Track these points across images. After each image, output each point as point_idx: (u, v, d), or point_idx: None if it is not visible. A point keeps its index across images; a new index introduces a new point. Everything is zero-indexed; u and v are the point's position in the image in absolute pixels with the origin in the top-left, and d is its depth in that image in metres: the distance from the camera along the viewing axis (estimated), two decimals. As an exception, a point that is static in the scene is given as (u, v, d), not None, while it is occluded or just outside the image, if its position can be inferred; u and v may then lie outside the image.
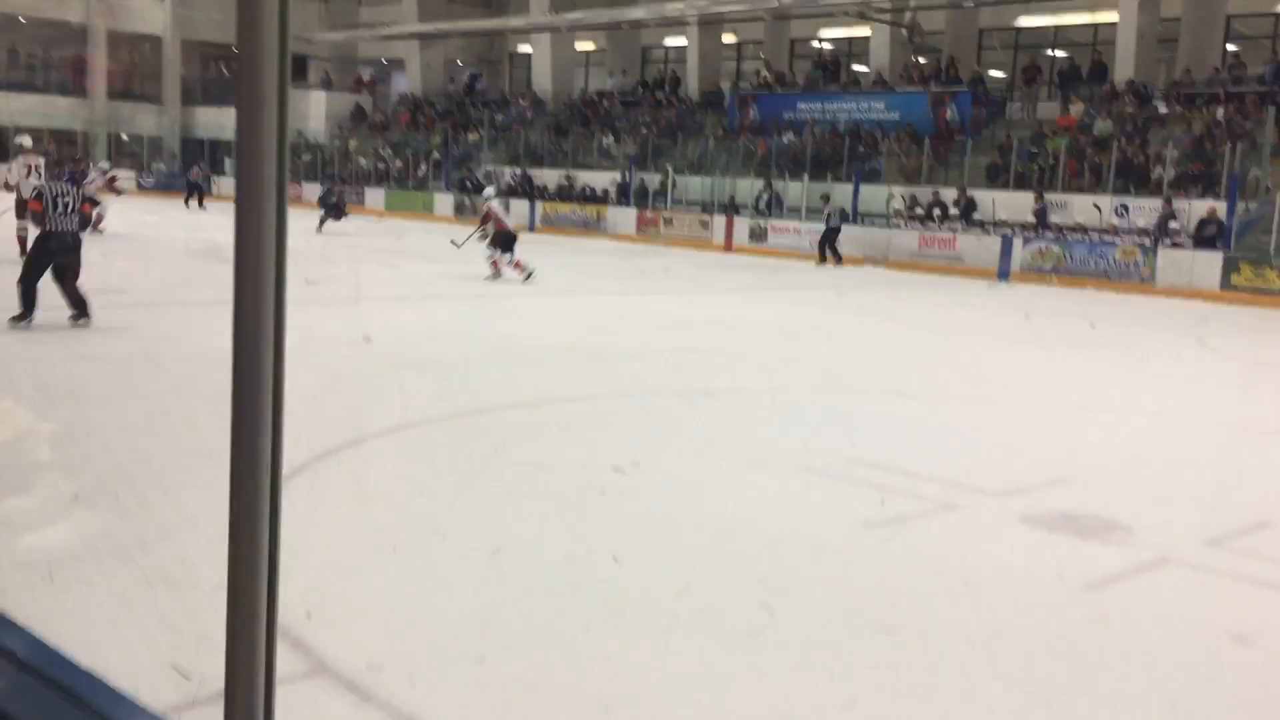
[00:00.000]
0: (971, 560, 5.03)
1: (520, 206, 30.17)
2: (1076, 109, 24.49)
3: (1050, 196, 22.21)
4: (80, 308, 9.81)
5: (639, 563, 4.83)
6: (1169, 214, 20.13)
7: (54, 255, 9.70)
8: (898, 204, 24.36)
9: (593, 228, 28.67)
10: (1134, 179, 21.71)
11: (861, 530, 5.36)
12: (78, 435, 6.47)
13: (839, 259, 22.60)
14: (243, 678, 1.34)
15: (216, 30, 39.81)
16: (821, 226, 23.02)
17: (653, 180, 28.86)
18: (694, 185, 28.21)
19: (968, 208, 22.92)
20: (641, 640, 4.01)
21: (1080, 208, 21.66)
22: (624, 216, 28.37)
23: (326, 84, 41.50)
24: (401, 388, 8.33)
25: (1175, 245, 19.66)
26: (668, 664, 3.83)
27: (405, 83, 41.56)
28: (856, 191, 24.81)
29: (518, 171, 31.73)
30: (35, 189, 10.11)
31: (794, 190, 26.27)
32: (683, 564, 4.84)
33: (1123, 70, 25.15)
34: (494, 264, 16.26)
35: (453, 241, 18.82)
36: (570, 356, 10.24)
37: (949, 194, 23.50)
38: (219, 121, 40.18)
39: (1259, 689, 3.91)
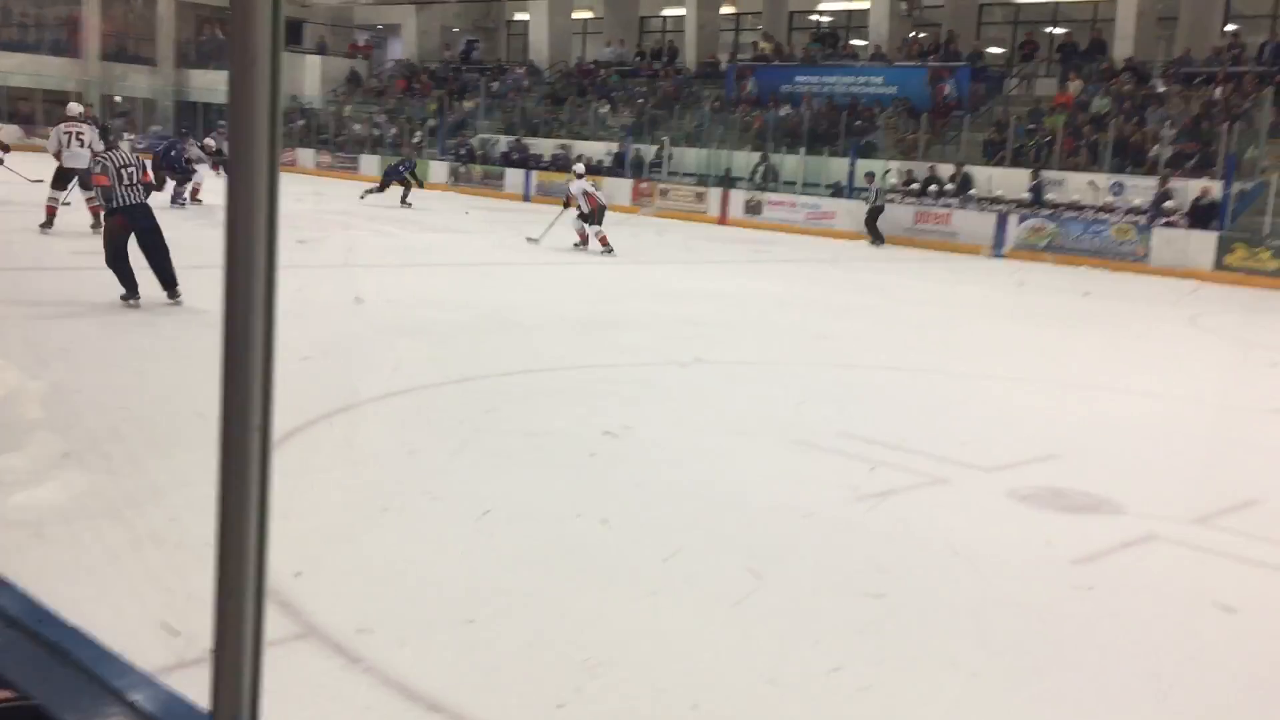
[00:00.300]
0: (960, 533, 5.06)
1: (516, 176, 30.06)
2: (1075, 86, 24.40)
3: (1046, 173, 22.17)
4: (171, 284, 9.18)
5: (628, 527, 4.86)
6: (1164, 193, 20.12)
7: (130, 229, 9.08)
8: (894, 178, 24.31)
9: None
10: (1130, 157, 21.68)
11: (851, 501, 5.38)
12: (69, 394, 6.46)
13: (879, 239, 22.23)
14: (231, 637, 1.34)
15: (211, -8, 39.50)
16: (865, 205, 22.65)
17: (649, 151, 28.75)
18: (690, 157, 28.10)
19: (964, 183, 22.88)
20: (629, 604, 4.04)
21: (1076, 185, 21.63)
22: (619, 187, 28.29)
23: (322, 49, 41.20)
24: (395, 353, 8.33)
25: (1170, 224, 19.66)
26: (655, 627, 3.86)
27: (401, 49, 41.29)
28: (853, 166, 24.75)
29: (513, 140, 31.58)
30: (98, 160, 9.27)
31: (790, 163, 26.20)
32: (672, 529, 4.86)
33: (1122, 48, 25.05)
34: (581, 234, 17.01)
35: (530, 238, 17.62)
36: (564, 325, 10.23)
37: (945, 169, 23.45)
38: (213, 84, 39.87)
39: (1242, 662, 3.95)
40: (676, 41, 34.31)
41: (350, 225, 18.89)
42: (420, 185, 25.24)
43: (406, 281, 12.71)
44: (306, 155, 35.30)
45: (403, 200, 23.85)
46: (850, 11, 31.83)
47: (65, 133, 14.55)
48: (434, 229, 19.78)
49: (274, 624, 3.51)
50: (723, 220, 25.78)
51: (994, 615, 4.16)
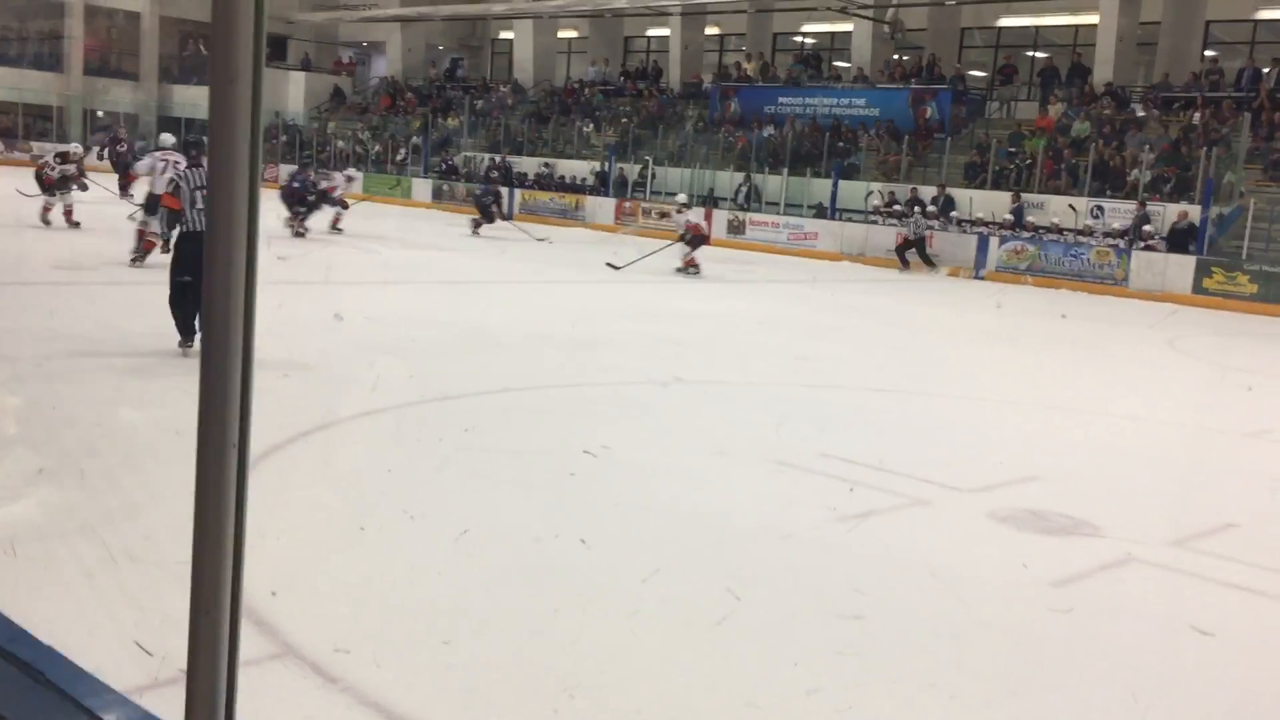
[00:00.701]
0: (940, 554, 5.07)
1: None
2: (1055, 110, 24.61)
3: (1027, 196, 22.32)
4: (190, 332, 7.98)
5: (607, 547, 4.85)
6: (1143, 217, 20.28)
7: (196, 260, 8.11)
8: (876, 200, 24.42)
9: (571, 216, 28.62)
10: (1110, 181, 21.85)
11: (831, 522, 5.38)
12: (44, 410, 6.41)
13: (929, 263, 21.83)
14: (205, 657, 1.33)
15: (196, 7, 39.45)
16: (904, 233, 22.35)
17: (632, 170, 28.82)
18: (674, 176, 28.18)
19: (946, 205, 23.01)
20: (608, 624, 4.02)
21: (1056, 208, 21.79)
22: (603, 206, 28.33)
23: (306, 65, 41.20)
24: (374, 370, 8.30)
25: (1149, 248, 19.81)
26: (633, 649, 3.85)
27: (385, 66, 41.31)
28: (835, 187, 24.87)
29: (497, 158, 31.61)
30: (172, 181, 8.57)
31: (773, 184, 26.29)
32: (650, 549, 4.85)
33: (1102, 72, 25.29)
34: (686, 261, 17.93)
35: (610, 264, 17.53)
36: (546, 344, 10.22)
37: (928, 191, 23.58)
38: (196, 100, 39.79)
39: (1219, 684, 3.96)
40: (660, 61, 34.45)
41: (332, 242, 18.86)
42: (503, 217, 24.06)
43: (388, 299, 12.69)
44: (289, 172, 35.16)
45: (474, 230, 22.93)
46: (833, 34, 32.04)
47: (161, 160, 14.47)
48: (417, 246, 19.75)
49: (250, 643, 3.48)
50: (706, 240, 25.82)
51: (973, 637, 4.16)
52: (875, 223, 23.70)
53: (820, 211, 25.02)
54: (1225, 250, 19.54)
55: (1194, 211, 19.82)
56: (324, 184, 20.24)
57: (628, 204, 27.95)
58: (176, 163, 14.24)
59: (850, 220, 24.27)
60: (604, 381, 8.77)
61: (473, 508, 5.23)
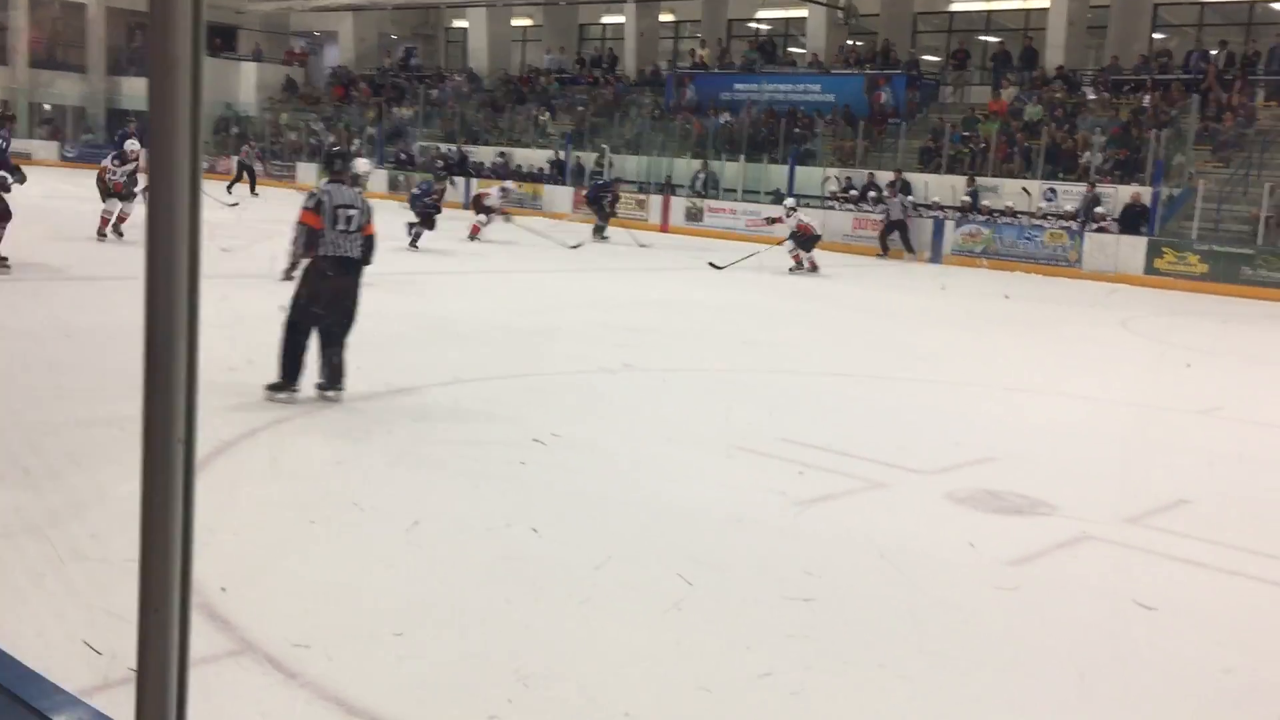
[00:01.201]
0: (895, 535, 5.11)
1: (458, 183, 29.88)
2: (1007, 94, 24.81)
3: (981, 180, 22.50)
4: (336, 378, 6.90)
5: (559, 535, 4.85)
6: (1094, 199, 20.51)
7: (326, 292, 6.78)
8: (833, 185, 24.52)
9: (528, 206, 28.51)
10: (1062, 164, 22.08)
11: (785, 506, 5.40)
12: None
13: (910, 249, 21.46)
14: (155, 655, 1.31)
15: (142, -2, 38.87)
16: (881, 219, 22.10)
17: (589, 159, 28.75)
18: (631, 164, 28.14)
19: (902, 190, 23.15)
20: (561, 612, 4.03)
21: (1010, 191, 21.98)
22: (560, 195, 28.25)
23: (257, 56, 40.69)
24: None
25: (1101, 230, 20.04)
26: (587, 636, 3.85)
27: (338, 56, 40.90)
28: (792, 173, 24.94)
29: (453, 148, 31.41)
30: (312, 195, 6.97)
31: (730, 171, 26.32)
32: (603, 537, 4.86)
33: (1053, 56, 25.52)
34: (795, 257, 17.71)
35: (712, 264, 17.30)
36: (502, 334, 10.18)
37: (884, 176, 23.71)
38: (145, 92, 39.22)
39: (1168, 658, 4.02)
40: (616, 49, 34.36)
41: (283, 234, 18.63)
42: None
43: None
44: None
45: (598, 230, 22.11)
46: (788, 20, 32.09)
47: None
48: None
49: (208, 640, 3.45)
50: (664, 228, 25.83)
51: (925, 617, 4.20)
52: (832, 208, 23.79)
53: (778, 198, 25.07)
54: (1176, 231, 19.81)
55: (1145, 193, 20.07)
56: (485, 200, 20.07)
57: (585, 192, 27.89)
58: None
59: (807, 206, 24.33)
60: (561, 370, 8.75)
61: (424, 499, 5.22)
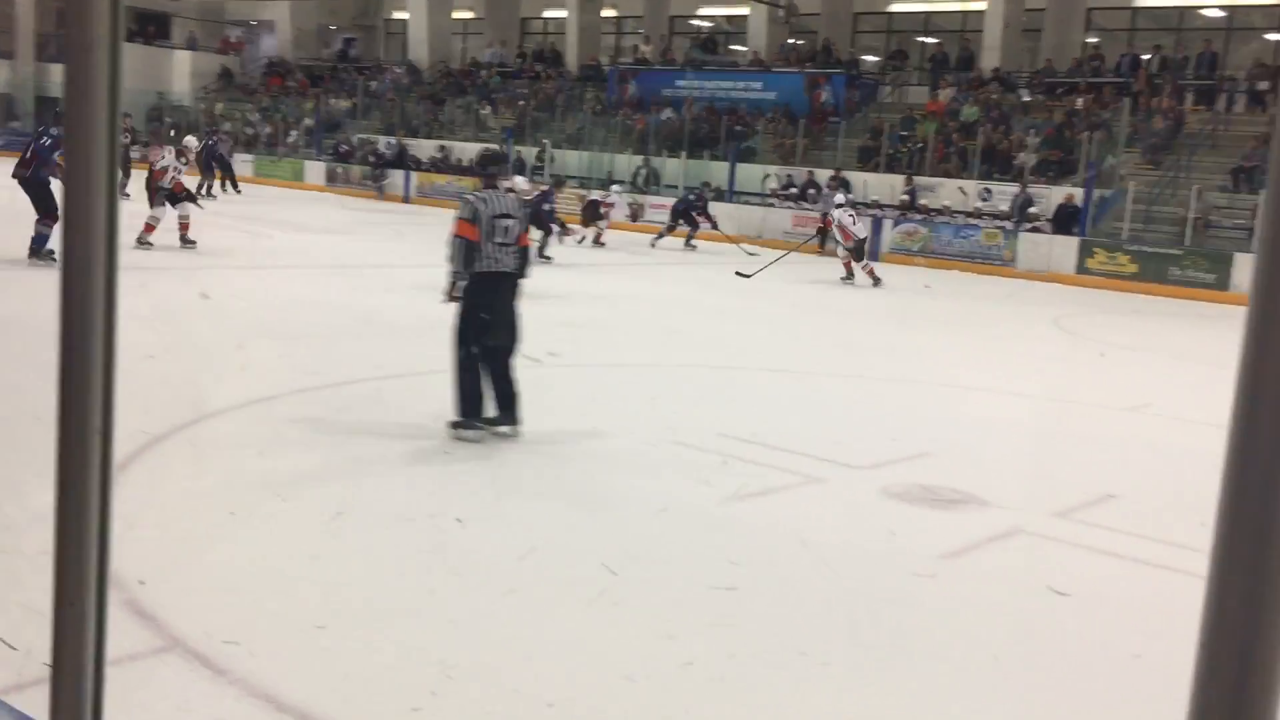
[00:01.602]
0: (825, 528, 5.17)
1: (395, 177, 29.62)
2: (945, 94, 25.13)
3: (919, 179, 22.77)
4: (509, 408, 6.27)
5: (484, 526, 4.84)
6: (1027, 199, 20.85)
7: (489, 313, 6.23)
8: (773, 183, 24.67)
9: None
10: (998, 164, 22.41)
11: (722, 499, 5.43)
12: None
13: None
14: (71, 651, 1.28)
15: (73, -17, 37.92)
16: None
17: (530, 153, 28.64)
18: (572, 159, 28.09)
19: (841, 188, 23.33)
20: (484, 603, 4.03)
21: (947, 191, 22.27)
22: (501, 189, 28.08)
23: (192, 44, 39.97)
24: (249, 355, 8.14)
25: (1035, 230, 20.37)
26: (510, 627, 3.86)
27: (274, 45, 40.31)
28: (733, 170, 25.05)
29: (392, 141, 31.12)
30: (466, 202, 6.29)
31: (671, 167, 26.37)
32: (527, 527, 4.87)
33: (989, 58, 25.90)
34: (846, 265, 16.69)
35: (739, 273, 16.58)
36: (433, 327, 10.08)
37: (824, 174, 23.90)
38: (76, 79, 38.28)
39: (1087, 645, 4.11)
40: (558, 43, 34.26)
41: (220, 226, 18.37)
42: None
43: (271, 283, 12.41)
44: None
45: (688, 242, 21.26)
46: (730, 17, 32.21)
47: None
48: (310, 230, 19.35)
49: (131, 637, 3.39)
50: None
51: (848, 606, 4.27)
52: (772, 205, 23.93)
53: (718, 194, 25.17)
54: (1107, 231, 20.20)
55: (1077, 194, 20.44)
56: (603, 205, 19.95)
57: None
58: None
59: (747, 203, 24.48)
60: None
61: (347, 490, 5.20)
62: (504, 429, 6.22)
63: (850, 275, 16.68)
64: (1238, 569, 0.73)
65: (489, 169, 6.55)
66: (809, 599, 4.30)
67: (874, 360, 10.34)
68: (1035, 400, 8.93)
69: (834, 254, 19.97)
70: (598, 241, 19.98)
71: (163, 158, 14.38)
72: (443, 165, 29.90)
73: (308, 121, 33.42)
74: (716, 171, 25.58)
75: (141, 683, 3.19)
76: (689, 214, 21.39)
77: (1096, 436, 7.80)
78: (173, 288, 10.22)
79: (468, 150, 29.88)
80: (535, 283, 13.56)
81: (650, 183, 26.41)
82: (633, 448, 6.36)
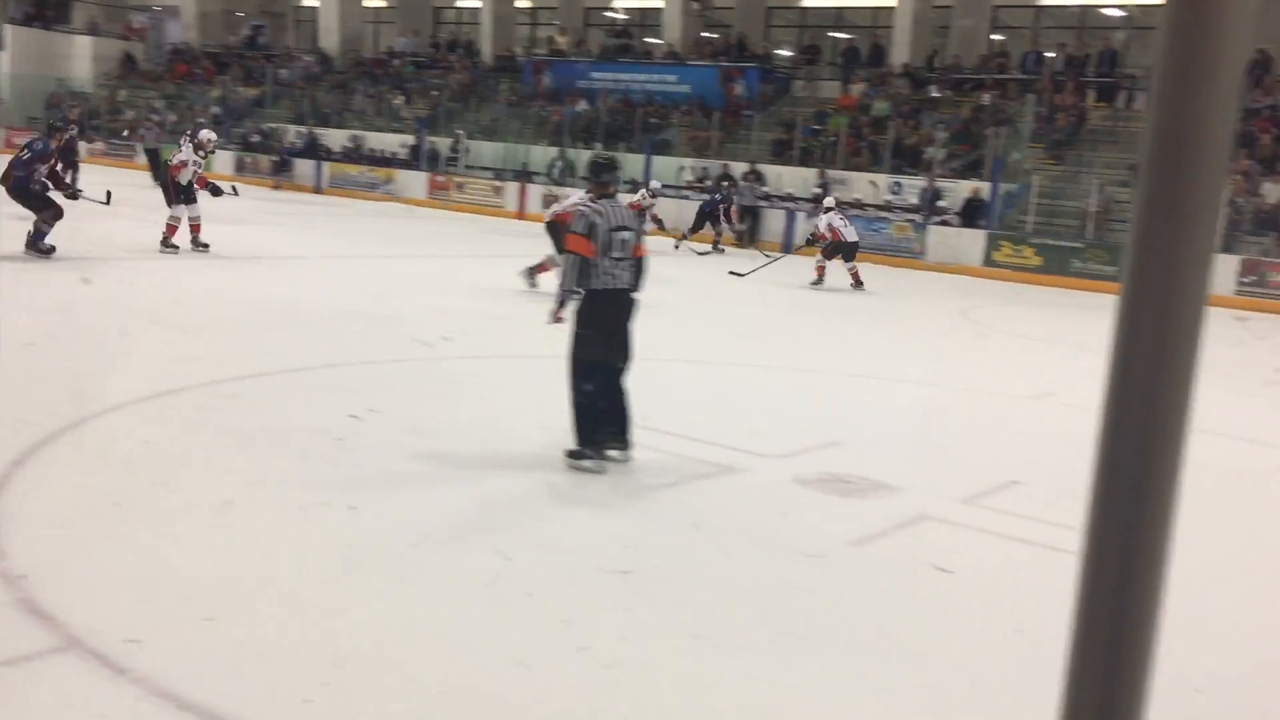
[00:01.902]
0: (736, 516, 5.23)
1: (305, 167, 29.15)
2: (857, 89, 25.48)
3: (832, 173, 23.05)
4: (623, 432, 5.93)
5: (376, 514, 4.82)
6: (935, 192, 21.25)
7: (607, 333, 5.83)
8: (688, 176, 24.78)
9: (383, 191, 28.00)
10: (908, 158, 22.79)
11: (639, 490, 5.46)
12: None
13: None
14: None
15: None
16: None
17: (444, 144, 28.39)
18: (487, 150, 27.90)
19: (755, 179, 23.54)
20: (377, 591, 4.01)
21: (859, 184, 22.58)
22: (415, 180, 27.83)
23: (93, 29, 38.81)
24: (143, 346, 7.97)
25: (944, 223, 20.76)
26: (404, 614, 3.85)
27: (179, 31, 39.33)
28: (649, 162, 25.11)
29: (303, 130, 30.59)
30: (580, 213, 5.84)
31: (587, 159, 26.31)
32: (420, 514, 4.85)
33: (899, 54, 26.31)
34: (820, 270, 16.14)
35: (734, 272, 16.53)
36: (339, 319, 9.98)
37: (739, 168, 24.07)
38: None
39: (971, 621, 4.24)
40: (472, 34, 33.98)
41: (121, 216, 17.88)
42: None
43: (173, 274, 12.12)
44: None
45: (715, 245, 20.54)
46: (644, 10, 32.25)
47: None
48: (215, 220, 18.90)
49: (30, 637, 3.30)
50: (520, 214, 25.71)
51: (750, 592, 4.34)
52: (688, 198, 24.04)
53: (634, 187, 25.21)
54: (1012, 225, 20.67)
55: (984, 188, 20.88)
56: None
57: (440, 178, 27.53)
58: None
59: (664, 196, 24.54)
60: (407, 357, 8.63)
61: (237, 479, 5.14)
62: (616, 453, 5.86)
63: (820, 280, 16.15)
64: (1109, 546, 0.75)
65: (603, 177, 6.02)
66: (706, 584, 4.36)
67: (786, 351, 10.46)
68: (944, 390, 9.11)
69: (760, 247, 20.10)
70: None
71: (180, 151, 13.88)
72: (355, 155, 29.50)
73: (214, 110, 32.69)
74: (633, 164, 25.62)
75: (28, 682, 3.11)
76: (714, 216, 20.78)
77: (1002, 424, 7.99)
78: (60, 276, 9.94)
79: (382, 141, 29.52)
80: (456, 277, 13.39)
81: (567, 174, 26.36)
82: (537, 435, 6.35)
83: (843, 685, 3.64)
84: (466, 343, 9.22)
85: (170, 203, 13.61)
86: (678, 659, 3.68)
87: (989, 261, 19.97)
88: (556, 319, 5.89)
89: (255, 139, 30.78)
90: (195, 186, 13.69)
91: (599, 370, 5.77)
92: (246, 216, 20.10)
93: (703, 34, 29.68)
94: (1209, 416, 7.13)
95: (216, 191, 14.14)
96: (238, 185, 14.97)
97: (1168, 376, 0.73)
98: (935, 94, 24.58)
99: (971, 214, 20.61)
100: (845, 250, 15.92)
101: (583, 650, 3.65)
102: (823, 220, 16.16)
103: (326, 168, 29.05)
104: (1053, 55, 24.49)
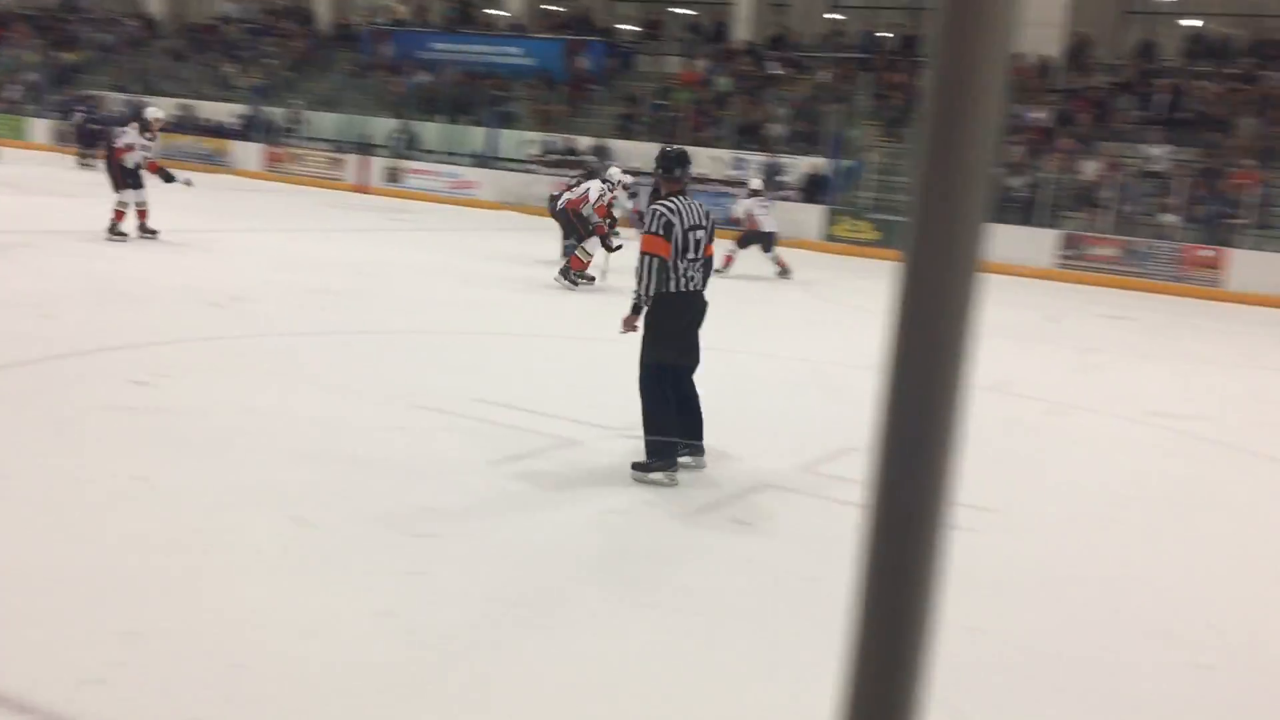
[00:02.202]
0: (574, 486, 5.27)
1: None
2: (700, 65, 25.73)
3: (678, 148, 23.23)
4: (697, 436, 5.66)
5: (171, 486, 4.73)
6: (774, 168, 21.68)
7: (682, 337, 5.59)
8: (534, 150, 24.64)
9: (215, 163, 26.98)
10: (751, 135, 23.16)
11: (486, 465, 5.44)
12: None
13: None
14: None
15: None
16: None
17: (280, 115, 27.51)
18: (326, 122, 27.17)
19: (602, 156, 23.57)
20: (168, 566, 3.93)
21: (701, 160, 22.83)
22: (249, 152, 26.91)
23: (-108, -14, 36.16)
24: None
25: (785, 199, 21.20)
26: (195, 589, 3.77)
27: (-9, -8, 36.95)
28: (493, 136, 24.87)
29: (126, 98, 29.18)
30: (659, 214, 5.40)
31: (431, 131, 25.92)
32: (215, 487, 4.77)
33: (741, 31, 26.66)
34: (727, 260, 14.52)
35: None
36: (186, 298, 9.61)
37: (584, 141, 24.05)
38: None
39: (775, 573, 4.44)
40: (308, 1, 32.96)
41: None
42: None
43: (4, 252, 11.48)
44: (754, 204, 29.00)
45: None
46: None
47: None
48: (36, 193, 17.95)
49: None
50: (362, 188, 25.15)
51: (557, 552, 4.43)
52: (534, 172, 23.92)
53: (480, 160, 24.96)
54: (850, 200, 21.25)
55: (823, 164, 21.40)
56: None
57: (277, 150, 26.68)
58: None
59: (509, 169, 24.37)
60: (246, 334, 8.38)
61: (14, 455, 4.95)
62: (690, 460, 5.57)
63: (725, 268, 14.46)
64: (887, 493, 0.79)
65: (675, 171, 5.59)
66: (510, 549, 4.40)
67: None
68: (784, 361, 9.33)
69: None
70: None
71: (124, 134, 13.03)
72: (186, 125, 28.34)
73: (32, 76, 30.92)
74: (476, 137, 25.35)
75: None
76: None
77: (840, 393, 8.23)
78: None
79: (214, 110, 28.41)
80: (301, 253, 13.06)
81: (410, 147, 25.89)
82: (383, 413, 6.26)
83: (683, 644, 3.71)
84: (329, 323, 8.98)
85: (117, 187, 12.90)
86: (479, 624, 3.72)
87: (828, 236, 20.49)
88: (631, 327, 5.61)
89: (80, 109, 29.23)
90: (144, 171, 13.00)
91: (669, 375, 5.52)
92: (67, 190, 19.13)
93: (544, 6, 29.47)
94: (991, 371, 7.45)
95: (169, 178, 13.34)
96: (191, 177, 14.10)
97: (942, 339, 0.77)
98: (777, 71, 25.02)
99: (812, 190, 21.08)
100: (762, 240, 15.06)
101: (384, 615, 3.68)
102: (741, 205, 15.56)
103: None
104: (889, 36, 25.19)
